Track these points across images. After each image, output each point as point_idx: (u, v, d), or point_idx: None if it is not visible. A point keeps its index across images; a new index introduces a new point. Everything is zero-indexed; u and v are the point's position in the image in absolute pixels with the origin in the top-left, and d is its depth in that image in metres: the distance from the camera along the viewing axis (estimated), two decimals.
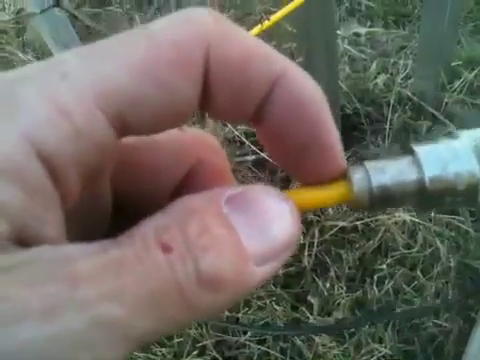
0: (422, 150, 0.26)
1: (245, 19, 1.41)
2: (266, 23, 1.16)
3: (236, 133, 1.60)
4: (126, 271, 0.18)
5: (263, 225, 0.21)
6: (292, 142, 0.24)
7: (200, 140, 0.27)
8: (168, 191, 0.27)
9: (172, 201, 0.21)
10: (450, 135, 0.26)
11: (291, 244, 0.22)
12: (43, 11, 1.06)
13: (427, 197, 0.25)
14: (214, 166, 0.27)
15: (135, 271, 0.18)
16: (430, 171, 0.25)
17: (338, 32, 1.91)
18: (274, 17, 1.16)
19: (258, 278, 0.21)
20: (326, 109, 0.24)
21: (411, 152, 0.26)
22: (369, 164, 0.26)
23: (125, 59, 0.20)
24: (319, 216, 1.44)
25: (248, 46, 0.22)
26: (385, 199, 0.26)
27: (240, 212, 0.21)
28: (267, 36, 1.29)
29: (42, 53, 1.88)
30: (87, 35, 1.58)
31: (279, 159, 0.26)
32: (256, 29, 1.16)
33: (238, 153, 1.61)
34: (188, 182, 0.27)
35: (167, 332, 0.20)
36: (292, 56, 1.30)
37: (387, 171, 0.26)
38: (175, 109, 0.22)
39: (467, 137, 0.26)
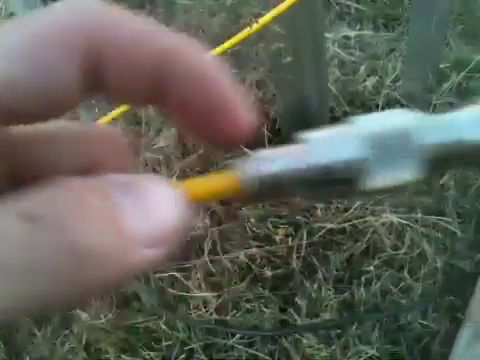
0: (312, 137, 0.26)
1: (235, 22, 1.41)
2: (255, 26, 1.17)
3: None
4: None
5: (148, 209, 0.21)
6: (198, 112, 0.24)
7: (103, 136, 0.27)
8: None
9: None
10: (347, 121, 0.26)
11: (176, 232, 0.22)
12: None
13: (314, 185, 0.25)
14: (115, 165, 0.26)
15: None
16: (317, 159, 0.25)
17: (328, 35, 1.91)
18: (263, 20, 1.17)
19: (140, 260, 0.21)
20: (224, 75, 0.24)
21: (302, 140, 0.26)
22: (259, 153, 0.26)
23: (3, 41, 0.20)
24: (307, 218, 1.45)
25: (136, 28, 0.23)
26: (273, 188, 0.25)
27: (124, 194, 0.21)
28: (256, 38, 1.29)
29: None
30: None
31: (191, 129, 0.26)
32: (245, 32, 1.17)
33: (228, 155, 1.61)
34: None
35: (33, 309, 0.19)
36: (280, 56, 1.30)
37: (276, 160, 0.25)
38: (57, 93, 0.22)
39: (362, 123, 0.25)
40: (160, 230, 0.21)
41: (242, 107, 0.25)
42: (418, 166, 0.25)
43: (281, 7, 1.13)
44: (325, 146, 0.25)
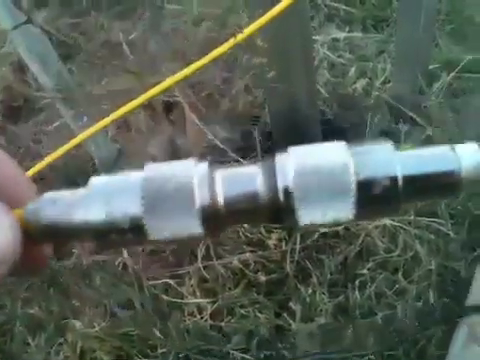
0: (96, 182, 0.26)
1: (219, 31, 1.41)
2: (239, 36, 1.16)
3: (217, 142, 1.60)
4: None
5: None
6: None
7: None
8: None
9: None
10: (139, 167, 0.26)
11: (6, 258, 0.22)
12: (16, 27, 1.06)
13: (99, 233, 0.25)
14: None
15: None
16: (93, 207, 0.25)
17: (317, 37, 1.92)
18: (247, 30, 1.16)
19: None
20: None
21: (88, 185, 0.26)
22: (46, 195, 0.26)
23: None
24: None
25: None
26: (54, 232, 0.25)
27: None
28: (240, 50, 1.29)
29: (20, 66, 1.87)
30: (64, 45, 1.57)
31: None
32: (230, 42, 1.16)
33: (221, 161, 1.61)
34: None
35: None
36: (262, 70, 1.30)
37: (56, 204, 0.26)
38: None
39: (144, 171, 0.26)
40: None
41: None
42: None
43: (264, 19, 1.12)
44: (105, 195, 0.25)
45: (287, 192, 0.25)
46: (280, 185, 0.25)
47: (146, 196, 0.24)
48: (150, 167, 0.26)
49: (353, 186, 0.24)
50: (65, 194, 0.26)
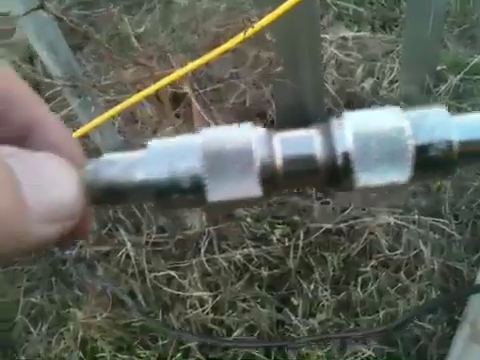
0: (153, 145, 0.26)
1: (228, 26, 1.41)
2: (249, 31, 1.16)
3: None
4: None
5: (47, 185, 0.22)
6: None
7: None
8: None
9: None
10: (194, 132, 0.26)
11: (72, 213, 0.23)
12: (27, 13, 1.06)
13: (160, 193, 0.25)
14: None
15: None
16: (153, 168, 0.25)
17: (326, 36, 1.92)
18: (257, 25, 1.16)
19: (38, 234, 0.21)
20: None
21: (147, 146, 0.26)
22: (103, 157, 0.26)
23: None
24: (305, 218, 1.45)
25: (12, 86, 0.25)
26: (113, 193, 0.26)
27: (23, 167, 0.21)
28: (249, 45, 1.29)
29: (29, 55, 1.88)
30: (74, 36, 1.57)
31: None
32: (239, 36, 1.16)
33: None
34: None
35: None
36: (271, 64, 1.30)
37: (116, 164, 0.26)
38: None
39: (202, 135, 0.26)
40: (57, 207, 0.22)
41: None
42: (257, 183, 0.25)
43: (274, 14, 1.12)
44: (165, 156, 0.25)
45: (345, 155, 0.25)
46: (338, 148, 0.25)
47: (207, 156, 0.25)
48: (207, 131, 0.26)
49: (410, 149, 0.25)
50: (123, 155, 0.26)
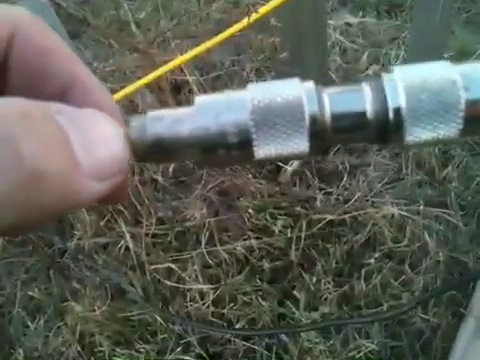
0: (201, 100, 0.26)
1: (232, 11, 1.38)
2: (253, 15, 1.13)
3: None
4: None
5: (96, 142, 0.22)
6: None
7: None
8: None
9: None
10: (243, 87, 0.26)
11: (121, 169, 0.23)
12: None
13: (206, 148, 0.25)
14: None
15: None
16: (200, 122, 0.25)
17: (330, 22, 1.88)
18: (262, 9, 1.13)
19: (89, 191, 0.21)
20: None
21: (194, 102, 0.26)
22: (150, 112, 0.26)
23: None
24: (307, 209, 1.42)
25: (52, 44, 0.25)
26: (160, 147, 0.26)
27: (72, 124, 0.21)
28: (254, 29, 1.26)
29: None
30: (72, 21, 1.55)
31: None
32: (243, 22, 1.14)
33: None
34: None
35: None
36: (276, 50, 1.27)
37: (164, 120, 0.26)
38: None
39: (250, 89, 0.26)
40: (106, 164, 0.22)
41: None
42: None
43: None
44: (213, 110, 0.25)
45: (397, 109, 0.25)
46: (390, 102, 0.25)
47: (255, 111, 0.25)
48: (255, 85, 0.26)
49: (462, 103, 0.24)
50: (169, 111, 0.26)
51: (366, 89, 0.26)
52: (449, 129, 0.25)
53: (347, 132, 0.26)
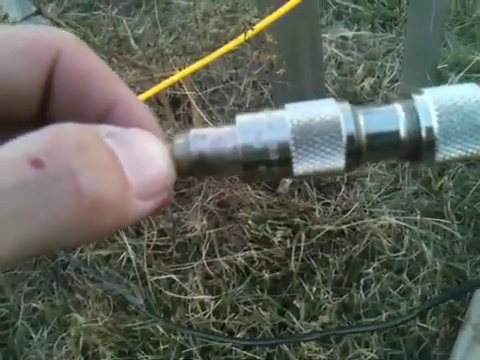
0: (242, 119, 0.27)
1: (228, 28, 1.40)
2: (249, 32, 1.15)
3: None
4: None
5: (142, 162, 0.22)
6: None
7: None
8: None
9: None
10: (280, 107, 0.27)
11: (166, 186, 0.23)
12: (25, 19, 1.05)
13: (247, 165, 0.26)
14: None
15: None
16: (242, 139, 0.26)
17: (325, 35, 1.91)
18: (257, 26, 1.16)
19: (137, 211, 0.22)
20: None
21: (236, 121, 0.27)
22: (193, 130, 0.27)
23: None
24: (306, 220, 1.44)
25: (95, 65, 0.25)
26: (203, 165, 0.26)
27: (120, 145, 0.22)
28: (251, 45, 1.28)
29: None
30: None
31: None
32: (240, 38, 1.16)
33: None
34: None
35: (33, 256, 0.19)
36: (272, 66, 1.30)
37: (207, 138, 0.26)
38: (13, 92, 0.24)
39: (288, 109, 0.26)
40: (153, 183, 0.23)
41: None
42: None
43: (275, 15, 1.12)
44: (254, 129, 0.26)
45: (429, 129, 0.26)
46: (422, 122, 0.26)
47: (295, 130, 0.26)
48: (293, 105, 0.27)
49: None
50: (211, 130, 0.27)
51: (399, 109, 0.27)
52: (477, 147, 0.26)
53: (381, 150, 0.27)
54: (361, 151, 0.27)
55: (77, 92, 0.25)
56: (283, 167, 0.26)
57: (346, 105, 0.27)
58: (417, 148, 0.27)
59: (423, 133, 0.26)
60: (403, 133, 0.27)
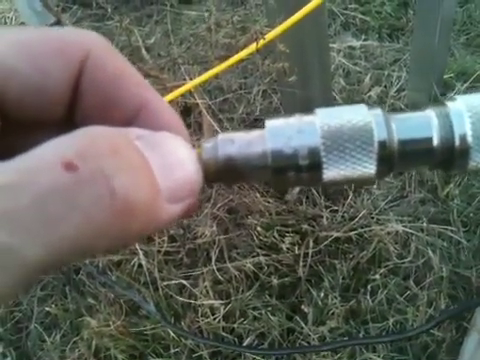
0: (271, 124, 0.26)
1: (239, 38, 1.43)
2: (261, 42, 1.17)
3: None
4: (16, 193, 0.17)
5: (172, 166, 0.23)
6: None
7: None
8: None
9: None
10: (308, 112, 0.27)
11: (195, 190, 0.24)
12: None
13: (276, 170, 0.26)
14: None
15: (29, 193, 0.18)
16: (272, 144, 0.25)
17: (333, 45, 1.93)
18: (268, 36, 1.18)
19: (167, 215, 0.22)
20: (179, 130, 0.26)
21: (265, 126, 0.26)
22: (221, 135, 0.27)
23: (8, 38, 0.23)
24: (314, 227, 1.46)
25: (123, 68, 0.26)
26: (231, 169, 0.26)
27: (150, 149, 0.22)
28: (261, 54, 1.31)
29: None
30: None
31: None
32: (251, 47, 1.18)
33: None
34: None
35: (72, 261, 0.20)
36: (284, 74, 1.32)
37: (235, 142, 0.26)
38: (45, 92, 0.24)
39: (318, 114, 0.26)
40: (182, 186, 0.23)
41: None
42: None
43: (285, 25, 1.14)
44: (283, 133, 0.26)
45: (462, 136, 0.26)
46: (456, 130, 0.26)
47: (325, 135, 0.25)
48: (323, 110, 0.26)
49: None
50: (240, 134, 0.27)
51: (432, 116, 0.27)
52: None
53: (413, 157, 0.27)
54: (393, 158, 0.26)
55: (105, 94, 0.25)
56: (313, 173, 0.26)
57: (378, 111, 0.26)
58: (450, 156, 0.26)
59: (456, 140, 0.26)
60: (436, 140, 0.26)
